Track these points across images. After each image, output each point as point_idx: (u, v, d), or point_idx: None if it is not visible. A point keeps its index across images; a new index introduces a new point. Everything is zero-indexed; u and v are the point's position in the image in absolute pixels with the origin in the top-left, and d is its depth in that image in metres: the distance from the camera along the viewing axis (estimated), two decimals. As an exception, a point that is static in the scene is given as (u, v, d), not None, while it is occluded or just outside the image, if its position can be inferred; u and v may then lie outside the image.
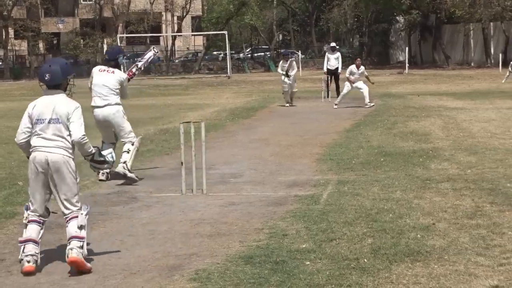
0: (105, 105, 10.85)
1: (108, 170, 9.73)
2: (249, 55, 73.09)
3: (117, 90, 10.87)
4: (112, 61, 11.08)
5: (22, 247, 6.39)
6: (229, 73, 52.70)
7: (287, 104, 24.22)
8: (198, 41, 78.27)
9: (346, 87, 23.52)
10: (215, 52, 72.41)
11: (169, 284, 5.83)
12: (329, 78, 27.28)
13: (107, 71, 10.95)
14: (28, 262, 6.29)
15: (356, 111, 21.51)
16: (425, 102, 23.89)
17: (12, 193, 9.79)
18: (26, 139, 6.60)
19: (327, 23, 67.63)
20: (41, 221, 6.59)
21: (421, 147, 13.25)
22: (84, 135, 6.57)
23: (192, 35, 76.61)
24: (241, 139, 15.70)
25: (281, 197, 9.18)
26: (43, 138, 6.49)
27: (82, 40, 65.35)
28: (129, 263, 6.48)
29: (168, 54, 67.16)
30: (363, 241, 6.85)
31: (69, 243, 6.38)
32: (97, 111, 10.95)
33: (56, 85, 6.59)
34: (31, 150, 6.56)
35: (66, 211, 6.53)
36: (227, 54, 55.69)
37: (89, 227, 7.84)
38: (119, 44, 54.16)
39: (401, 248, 6.56)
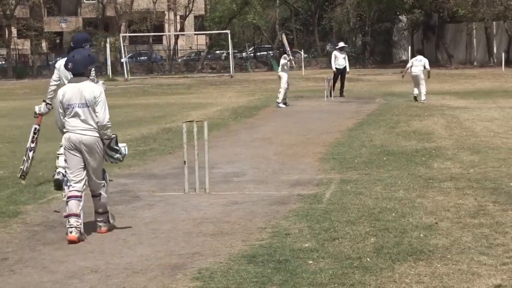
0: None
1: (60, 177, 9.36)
2: (252, 54, 73.05)
3: None
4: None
5: (67, 220, 7.26)
6: (232, 72, 52.70)
7: (283, 105, 23.85)
8: (201, 40, 78.28)
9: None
10: (218, 51, 72.39)
11: (172, 283, 5.83)
12: (336, 77, 27.31)
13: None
14: (71, 232, 7.17)
15: (359, 110, 21.50)
16: (428, 101, 23.86)
17: (15, 192, 9.80)
18: (63, 124, 7.52)
19: (330, 22, 67.59)
20: (79, 195, 7.38)
21: (424, 146, 13.24)
22: (109, 119, 7.44)
23: (195, 34, 76.60)
24: (244, 138, 15.70)
25: (284, 196, 9.18)
26: (74, 120, 7.37)
27: (85, 39, 65.28)
28: (131, 262, 6.49)
29: (171, 53, 67.16)
30: (366, 240, 6.85)
31: (96, 217, 7.62)
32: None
33: (79, 73, 7.45)
34: (65, 130, 7.47)
35: (93, 187, 7.58)
36: (230, 53, 55.68)
37: (92, 226, 7.88)
38: (122, 44, 54.26)
39: (404, 247, 6.56)
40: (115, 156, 7.68)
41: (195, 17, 76.59)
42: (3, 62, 65.17)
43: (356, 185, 9.65)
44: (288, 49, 24.81)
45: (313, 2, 70.65)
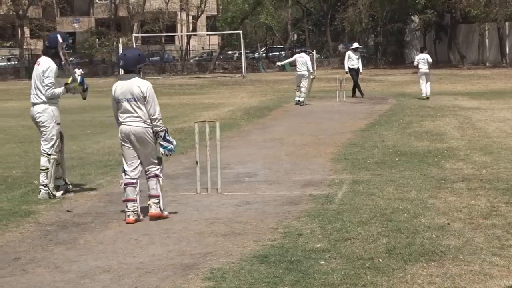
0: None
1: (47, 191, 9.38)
2: (264, 54, 73.07)
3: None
4: (53, 49, 9.65)
5: (125, 204, 8.08)
6: (244, 73, 52.72)
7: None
8: (213, 41, 78.33)
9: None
10: (230, 52, 72.43)
11: (184, 283, 5.84)
12: (353, 75, 27.44)
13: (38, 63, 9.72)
14: (129, 216, 8.01)
15: (371, 111, 21.47)
16: (440, 102, 23.81)
17: (27, 192, 9.84)
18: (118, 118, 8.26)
19: (342, 23, 67.47)
20: (134, 181, 8.15)
21: (436, 146, 13.21)
22: (159, 112, 8.22)
23: (207, 34, 76.66)
24: (256, 138, 15.70)
25: (295, 197, 9.18)
26: (124, 114, 8.12)
27: (97, 40, 65.56)
28: (144, 262, 6.50)
29: (183, 54, 67.26)
30: (378, 241, 6.84)
31: (149, 199, 8.18)
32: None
33: (129, 70, 8.19)
34: (119, 124, 8.21)
35: (147, 168, 8.24)
36: (242, 53, 55.70)
37: (104, 226, 7.91)
38: (134, 44, 54.34)
39: (416, 248, 6.55)
40: (169, 148, 8.30)
41: (207, 17, 76.68)
42: (16, 62, 65.47)
43: (368, 185, 9.63)
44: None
45: (326, 2, 70.61)
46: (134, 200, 8.07)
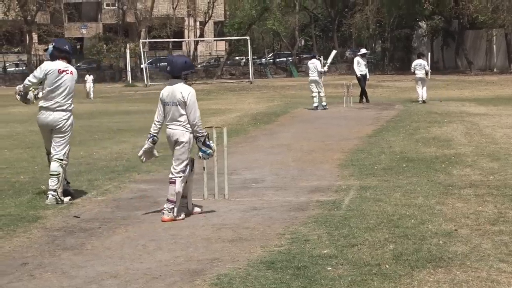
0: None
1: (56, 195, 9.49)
2: (271, 60, 73.12)
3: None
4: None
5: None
6: (251, 78, 52.79)
7: (320, 107, 24.83)
8: (221, 46, 78.47)
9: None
10: (237, 58, 72.54)
11: (191, 288, 5.84)
12: (360, 81, 27.49)
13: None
14: (163, 214, 8.39)
15: (379, 117, 21.45)
16: (447, 108, 23.78)
17: (35, 197, 9.87)
18: (162, 120, 8.68)
19: (349, 29, 67.47)
20: (173, 180, 8.46)
21: (444, 153, 13.19)
22: (199, 118, 8.49)
23: (215, 40, 76.84)
24: (263, 144, 15.70)
25: (302, 203, 9.18)
26: (168, 117, 8.53)
27: (105, 45, 65.74)
28: (151, 268, 6.51)
29: (191, 59, 67.36)
30: (385, 247, 6.84)
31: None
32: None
33: (175, 76, 8.54)
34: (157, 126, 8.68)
35: (173, 170, 8.53)
36: (249, 59, 55.79)
37: (111, 231, 7.92)
38: (142, 50, 54.45)
39: (423, 254, 6.54)
40: (208, 152, 8.59)
41: (215, 23, 76.82)
42: (24, 68, 65.68)
43: (375, 191, 9.63)
44: (328, 63, 26.98)
45: (333, 8, 70.64)
46: (179, 194, 8.48)
